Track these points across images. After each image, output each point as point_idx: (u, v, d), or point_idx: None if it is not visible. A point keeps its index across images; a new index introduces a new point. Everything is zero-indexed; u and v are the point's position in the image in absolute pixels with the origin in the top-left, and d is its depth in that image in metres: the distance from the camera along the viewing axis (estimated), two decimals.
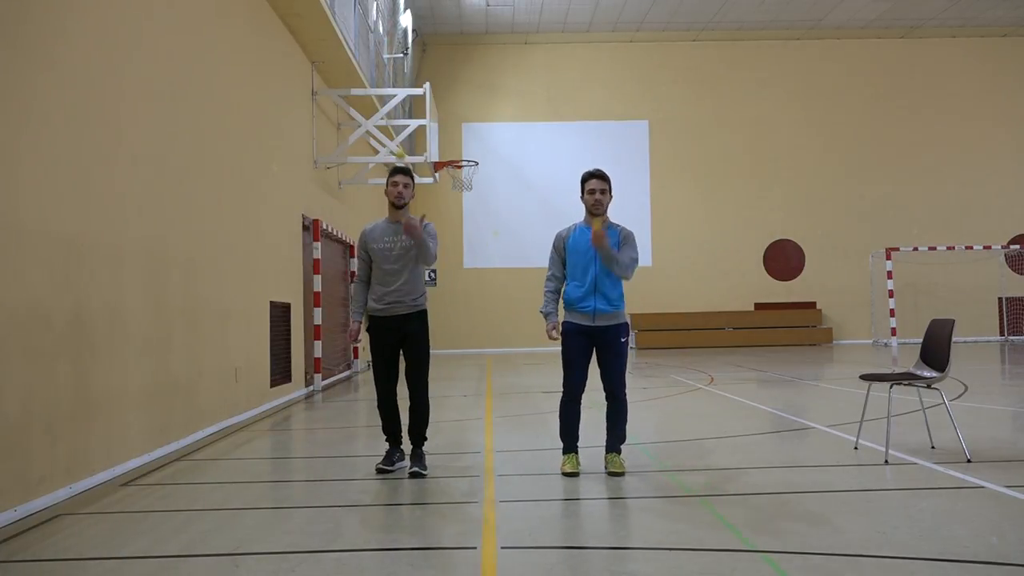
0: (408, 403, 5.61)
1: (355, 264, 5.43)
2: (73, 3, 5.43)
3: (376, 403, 5.72)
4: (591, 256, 5.41)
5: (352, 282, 5.63)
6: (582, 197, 5.55)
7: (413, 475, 5.39)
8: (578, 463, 5.40)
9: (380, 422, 5.74)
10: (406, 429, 5.66)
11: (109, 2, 5.97)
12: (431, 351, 5.72)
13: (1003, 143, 23.80)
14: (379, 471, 5.52)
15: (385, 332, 5.59)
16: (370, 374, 15.28)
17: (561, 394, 5.55)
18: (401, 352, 5.64)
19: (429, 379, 5.66)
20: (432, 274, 21.99)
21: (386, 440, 5.74)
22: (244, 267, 8.96)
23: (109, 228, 5.76)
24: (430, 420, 5.67)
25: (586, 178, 5.56)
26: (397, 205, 5.61)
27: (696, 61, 23.79)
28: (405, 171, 5.71)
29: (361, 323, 5.71)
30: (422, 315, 5.64)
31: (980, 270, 23.07)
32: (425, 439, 5.65)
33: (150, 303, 6.41)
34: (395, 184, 5.61)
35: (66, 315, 5.15)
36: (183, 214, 7.17)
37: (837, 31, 23.49)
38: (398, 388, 5.73)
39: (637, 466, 5.58)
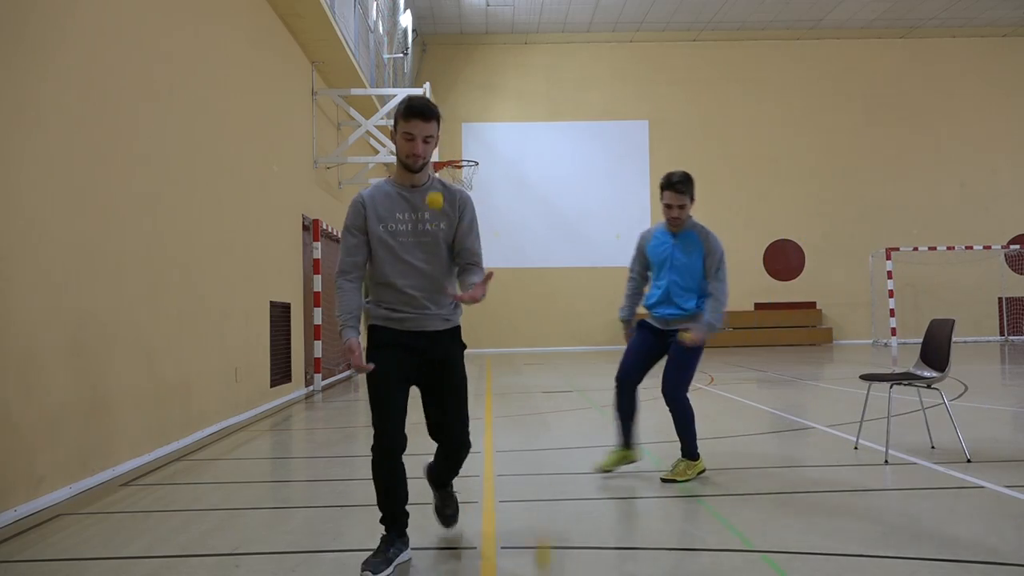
0: (438, 448, 3.81)
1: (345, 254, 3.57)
2: (71, 3, 5.43)
3: (372, 461, 3.50)
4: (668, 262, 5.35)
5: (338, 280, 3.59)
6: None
7: (448, 520, 3.95)
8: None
9: (375, 492, 3.53)
10: (427, 479, 3.96)
11: (107, 2, 5.97)
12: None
13: (1003, 143, 23.79)
14: (364, 572, 3.33)
15: (396, 350, 3.53)
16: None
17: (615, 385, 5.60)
18: (422, 383, 3.65)
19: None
20: None
21: (383, 524, 3.56)
22: (244, 267, 8.96)
23: (108, 228, 5.75)
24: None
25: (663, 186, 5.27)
26: (411, 168, 3.48)
27: (696, 61, 23.78)
28: (425, 111, 3.38)
29: (358, 339, 3.54)
30: (455, 333, 3.66)
31: (980, 270, 23.08)
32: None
33: (150, 303, 6.41)
34: (408, 136, 3.41)
35: (66, 315, 5.15)
36: (182, 214, 7.17)
37: (837, 31, 23.48)
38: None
39: (636, 466, 5.58)
